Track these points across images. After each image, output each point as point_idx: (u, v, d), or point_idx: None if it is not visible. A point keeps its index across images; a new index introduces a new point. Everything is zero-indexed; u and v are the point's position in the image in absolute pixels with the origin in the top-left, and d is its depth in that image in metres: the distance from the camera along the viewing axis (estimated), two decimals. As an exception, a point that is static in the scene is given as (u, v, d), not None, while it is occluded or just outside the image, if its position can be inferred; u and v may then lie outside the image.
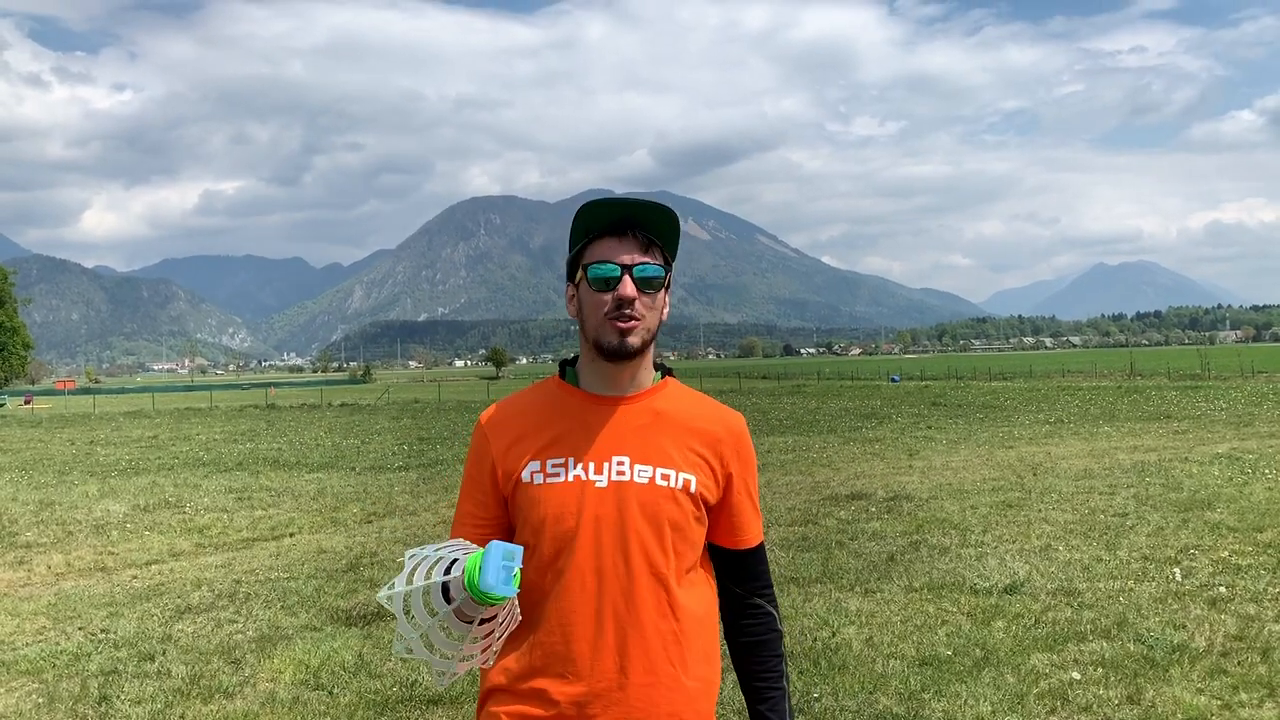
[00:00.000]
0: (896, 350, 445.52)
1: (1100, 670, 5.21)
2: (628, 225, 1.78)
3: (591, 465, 1.78)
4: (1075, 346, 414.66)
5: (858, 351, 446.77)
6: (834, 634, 6.03)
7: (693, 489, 1.80)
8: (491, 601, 1.55)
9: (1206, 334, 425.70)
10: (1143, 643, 5.63)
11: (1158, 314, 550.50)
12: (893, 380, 62.79)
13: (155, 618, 7.03)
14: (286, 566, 8.77)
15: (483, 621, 1.63)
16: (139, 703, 5.19)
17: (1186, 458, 14.54)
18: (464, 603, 1.60)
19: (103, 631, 6.68)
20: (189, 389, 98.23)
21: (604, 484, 1.76)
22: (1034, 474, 13.34)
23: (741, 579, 1.92)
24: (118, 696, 5.29)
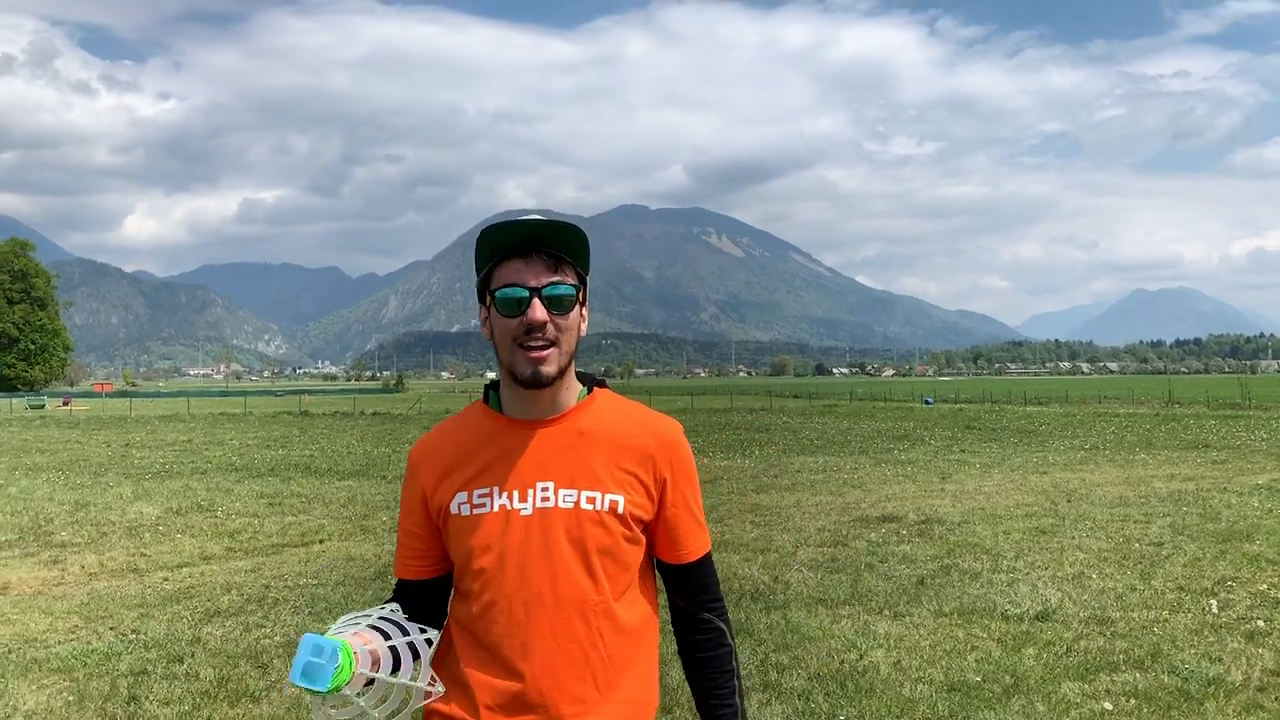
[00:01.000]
0: (931, 372, 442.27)
1: (1133, 701, 5.13)
2: (533, 245, 1.71)
3: (515, 493, 1.73)
4: (1113, 372, 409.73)
5: (891, 372, 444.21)
6: (861, 657, 5.98)
7: (620, 510, 1.74)
8: (317, 694, 1.49)
9: (1248, 362, 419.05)
10: (1177, 675, 5.53)
11: (1198, 341, 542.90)
12: (926, 402, 62.33)
13: (185, 620, 7.09)
14: (315, 573, 8.82)
15: (334, 707, 1.55)
16: (167, 704, 5.23)
17: (1225, 488, 14.30)
18: (314, 699, 1.54)
19: (133, 632, 6.75)
20: (224, 394, 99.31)
21: (529, 511, 1.72)
22: (1068, 500, 13.18)
23: (687, 593, 1.86)
24: (146, 697, 5.33)
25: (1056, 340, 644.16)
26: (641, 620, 1.81)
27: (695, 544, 1.85)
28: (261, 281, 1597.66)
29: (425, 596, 1.86)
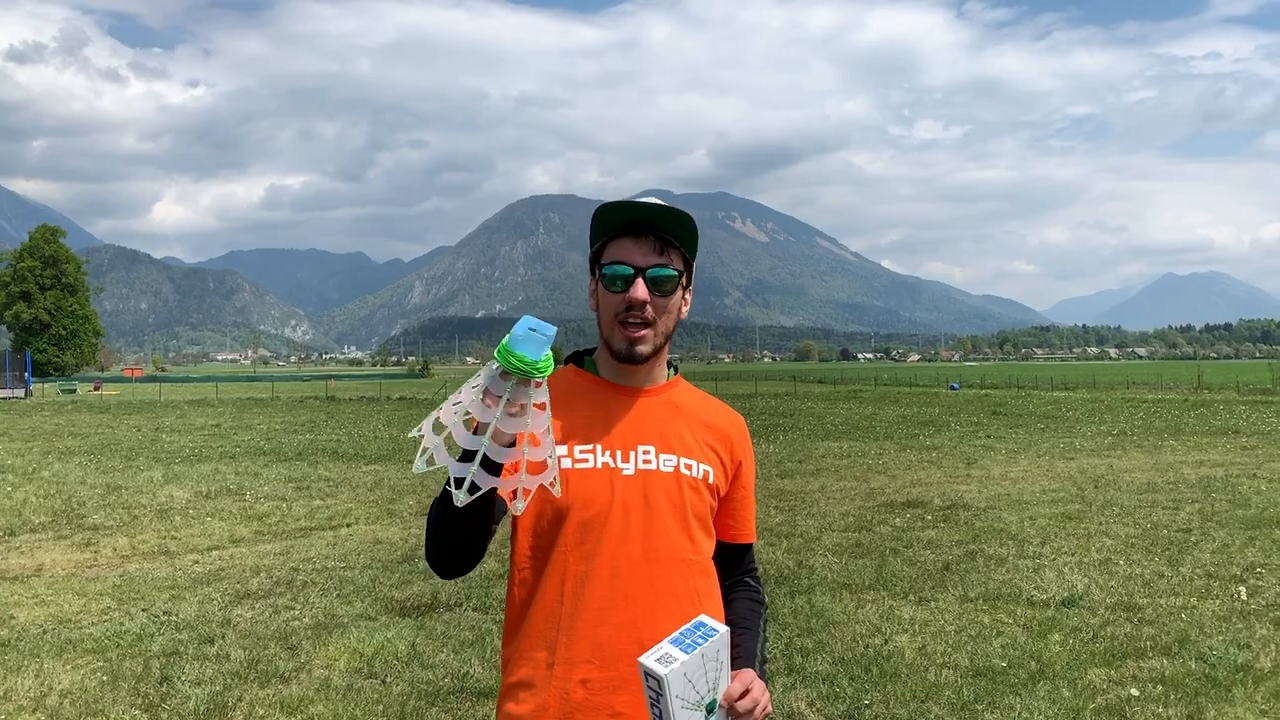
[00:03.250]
0: (956, 357, 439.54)
1: (1160, 688, 5.11)
2: (645, 227, 1.78)
3: (619, 453, 1.80)
4: (1141, 358, 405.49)
5: (916, 358, 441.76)
6: (886, 641, 5.98)
7: (711, 480, 1.85)
8: (520, 366, 1.40)
9: (1279, 347, 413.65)
10: (1205, 661, 5.50)
11: (1228, 326, 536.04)
12: (952, 388, 62.00)
13: (215, 602, 7.18)
14: (343, 556, 8.90)
15: (510, 416, 1.46)
16: (199, 684, 5.31)
17: (1255, 474, 14.18)
18: (491, 381, 1.45)
19: (165, 614, 6.85)
20: (251, 379, 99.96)
21: (631, 472, 1.79)
22: (1095, 486, 13.10)
23: (736, 570, 1.97)
24: (178, 677, 5.41)
25: (1084, 325, 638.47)
26: (717, 584, 1.91)
27: (753, 525, 1.99)
28: (288, 267, 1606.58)
29: None
